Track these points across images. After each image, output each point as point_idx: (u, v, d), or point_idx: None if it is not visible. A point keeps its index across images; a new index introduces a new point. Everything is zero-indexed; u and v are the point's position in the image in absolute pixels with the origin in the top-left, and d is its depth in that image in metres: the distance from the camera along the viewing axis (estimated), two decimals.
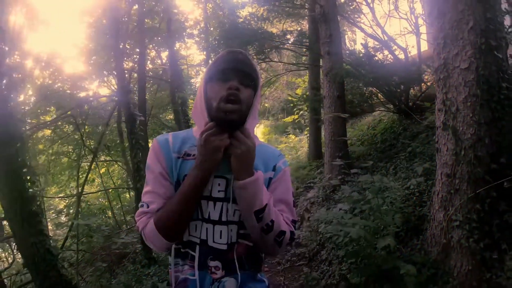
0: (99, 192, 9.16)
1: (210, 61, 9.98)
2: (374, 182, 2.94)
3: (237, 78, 1.12)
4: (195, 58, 15.91)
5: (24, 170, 3.35)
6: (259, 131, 25.50)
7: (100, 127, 7.84)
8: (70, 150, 7.71)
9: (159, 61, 13.01)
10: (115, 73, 5.85)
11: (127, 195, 10.07)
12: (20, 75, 4.80)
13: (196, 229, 1.17)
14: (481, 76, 2.38)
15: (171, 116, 12.37)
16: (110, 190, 8.73)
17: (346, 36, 17.00)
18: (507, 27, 2.83)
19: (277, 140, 18.97)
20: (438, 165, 2.69)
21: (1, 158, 3.19)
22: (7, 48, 3.87)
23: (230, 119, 1.08)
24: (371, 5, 8.95)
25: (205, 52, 14.73)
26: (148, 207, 1.15)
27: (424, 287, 2.49)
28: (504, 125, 2.38)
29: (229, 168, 1.12)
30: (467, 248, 2.45)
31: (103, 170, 9.83)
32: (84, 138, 6.23)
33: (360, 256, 2.65)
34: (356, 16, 10.58)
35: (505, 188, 2.36)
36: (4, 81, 3.52)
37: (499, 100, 2.39)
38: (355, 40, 15.79)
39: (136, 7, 8.07)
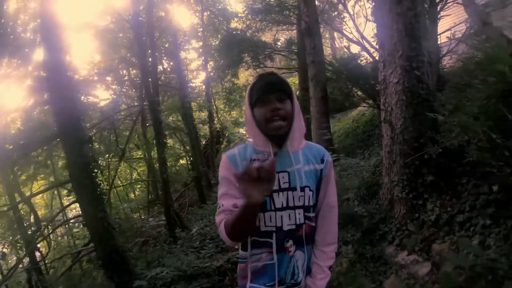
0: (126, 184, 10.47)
1: (208, 66, 11.34)
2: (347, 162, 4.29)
3: (275, 98, 1.36)
4: (193, 62, 16.84)
5: (93, 163, 4.61)
6: None
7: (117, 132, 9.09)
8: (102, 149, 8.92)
9: (161, 67, 14.10)
10: (143, 86, 7.01)
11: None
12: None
13: (271, 219, 1.39)
14: (406, 87, 3.69)
15: (172, 118, 13.52)
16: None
17: (336, 41, 18.19)
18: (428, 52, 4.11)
19: None
20: (383, 146, 4.02)
21: (79, 154, 4.43)
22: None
23: (279, 134, 1.37)
24: (352, 13, 10.14)
25: (203, 57, 15.83)
26: (222, 205, 1.36)
27: (376, 226, 3.82)
28: (421, 118, 3.68)
29: (287, 162, 1.40)
30: (402, 199, 3.77)
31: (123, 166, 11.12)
32: (117, 139, 7.51)
33: None
34: (338, 22, 11.79)
35: (425, 158, 3.66)
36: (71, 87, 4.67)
37: (418, 102, 3.69)
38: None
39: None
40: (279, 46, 12.12)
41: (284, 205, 1.40)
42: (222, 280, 4.53)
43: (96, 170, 4.69)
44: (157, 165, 7.34)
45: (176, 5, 14.02)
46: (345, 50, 12.45)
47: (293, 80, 14.58)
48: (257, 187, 1.13)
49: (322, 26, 11.67)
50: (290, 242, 1.42)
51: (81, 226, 6.47)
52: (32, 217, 6.40)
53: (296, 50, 10.58)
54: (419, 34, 3.82)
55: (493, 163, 2.83)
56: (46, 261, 6.14)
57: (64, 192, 8.96)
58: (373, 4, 4.57)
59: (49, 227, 6.19)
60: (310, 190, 1.44)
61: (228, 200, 1.37)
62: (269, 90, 1.38)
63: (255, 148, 1.45)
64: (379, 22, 4.17)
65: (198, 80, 16.48)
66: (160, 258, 5.74)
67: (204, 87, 15.30)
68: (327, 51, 18.13)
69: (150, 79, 6.47)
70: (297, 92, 11.69)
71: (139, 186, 14.35)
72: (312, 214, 1.47)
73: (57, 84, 4.32)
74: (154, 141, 7.76)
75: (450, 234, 3.22)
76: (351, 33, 10.31)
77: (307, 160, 1.47)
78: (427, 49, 3.95)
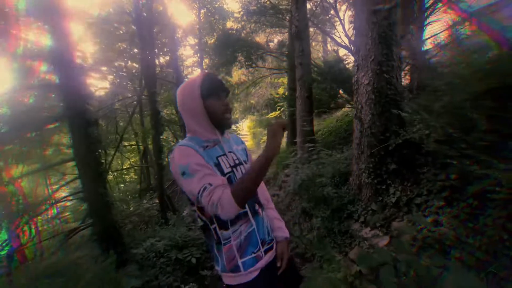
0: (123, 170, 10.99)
1: (203, 63, 11.93)
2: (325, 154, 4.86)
3: (225, 95, 1.70)
4: (189, 59, 17.29)
5: (98, 143, 5.09)
6: (245, 125, 26.98)
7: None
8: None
9: (157, 61, 14.53)
10: (142, 77, 7.46)
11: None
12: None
13: None
14: (375, 88, 4.27)
15: (166, 111, 13.98)
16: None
17: (328, 44, 18.84)
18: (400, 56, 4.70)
19: (261, 133, 20.52)
20: (353, 139, 4.60)
21: (85, 134, 4.89)
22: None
23: (231, 123, 1.70)
24: (343, 18, 10.74)
25: (198, 54, 16.31)
26: (212, 185, 1.45)
27: (345, 206, 4.40)
28: (387, 115, 4.26)
29: (229, 145, 1.77)
30: (368, 184, 4.35)
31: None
32: (117, 128, 7.99)
33: (309, 190, 4.57)
34: (328, 26, 12.38)
35: (389, 150, 4.24)
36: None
37: (385, 101, 4.27)
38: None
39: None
40: (271, 47, 12.67)
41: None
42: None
43: (99, 150, 5.17)
44: (153, 152, 7.83)
45: (175, 1, 14.43)
46: (334, 53, 13.12)
47: (283, 80, 15.18)
48: (279, 140, 1.45)
49: (313, 28, 12.27)
50: (256, 205, 1.71)
51: (69, 207, 6.88)
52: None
53: (286, 52, 11.13)
54: (391, 41, 4.39)
55: (452, 154, 3.42)
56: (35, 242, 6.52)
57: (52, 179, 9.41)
58: (354, 12, 5.10)
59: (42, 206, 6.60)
60: (246, 162, 1.78)
61: (214, 178, 1.48)
62: (221, 87, 1.68)
63: (201, 139, 1.64)
64: (357, 30, 4.74)
65: (192, 76, 16.90)
66: (153, 235, 6.24)
67: None
68: (318, 53, 18.78)
69: (149, 72, 6.97)
70: (286, 93, 12.28)
71: (128, 177, 14.75)
72: None
73: (66, 67, 4.78)
74: (151, 130, 8.27)
75: (408, 214, 3.80)
76: (340, 37, 10.94)
77: (237, 142, 1.87)
78: (397, 55, 4.54)
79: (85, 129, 4.92)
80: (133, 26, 7.98)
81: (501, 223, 2.48)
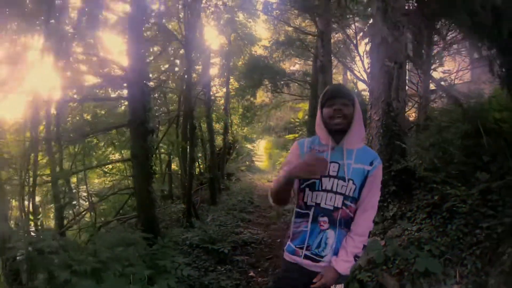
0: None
1: (229, 82, 13.26)
2: None
3: (339, 102, 1.72)
4: (216, 78, 18.46)
5: (152, 148, 6.23)
6: (262, 145, 27.64)
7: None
8: None
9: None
10: (182, 95, 8.63)
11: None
12: None
13: (316, 197, 1.75)
14: (383, 124, 5.29)
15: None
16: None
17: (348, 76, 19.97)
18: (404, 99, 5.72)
19: (278, 154, 21.40)
20: None
21: (144, 139, 6.02)
22: None
23: (338, 128, 1.73)
24: (363, 55, 11.82)
25: (226, 74, 17.51)
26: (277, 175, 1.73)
27: None
28: (392, 146, 5.25)
29: (340, 156, 1.75)
30: None
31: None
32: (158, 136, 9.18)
33: None
34: (349, 61, 13.51)
35: (391, 174, 5.21)
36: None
37: (391, 135, 5.27)
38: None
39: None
40: (295, 75, 13.85)
41: (329, 188, 1.74)
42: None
43: (153, 155, 6.29)
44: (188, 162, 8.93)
45: (209, 26, 15.79)
46: (353, 84, 14.24)
47: (304, 107, 16.26)
48: (306, 169, 1.52)
49: (336, 61, 13.41)
50: (325, 218, 1.75)
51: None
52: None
53: (310, 81, 12.27)
54: (398, 86, 5.45)
55: (436, 180, 4.42)
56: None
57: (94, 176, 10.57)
58: (369, 60, 6.17)
59: (94, 198, 7.75)
60: (353, 183, 1.73)
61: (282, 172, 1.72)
62: (336, 95, 1.73)
63: (320, 141, 1.83)
64: (371, 75, 5.81)
65: (218, 95, 18.08)
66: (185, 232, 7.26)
67: (223, 101, 16.98)
68: (339, 81, 19.91)
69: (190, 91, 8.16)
70: (306, 117, 13.33)
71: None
72: (350, 204, 1.76)
73: (136, 85, 5.95)
74: (182, 142, 9.41)
75: (400, 224, 4.77)
76: (359, 71, 12.01)
77: (359, 159, 1.76)
78: (403, 98, 5.60)
79: (145, 136, 6.06)
80: (181, 50, 9.17)
81: (460, 228, 3.50)
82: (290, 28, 13.24)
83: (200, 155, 13.47)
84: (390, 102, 5.36)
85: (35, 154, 5.14)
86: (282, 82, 12.57)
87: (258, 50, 16.18)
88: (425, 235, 3.82)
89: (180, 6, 8.78)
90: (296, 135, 15.00)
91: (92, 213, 7.14)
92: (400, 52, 5.26)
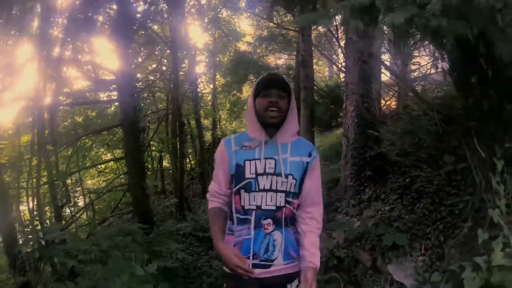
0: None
1: (215, 79, 13.66)
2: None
3: (275, 93, 1.58)
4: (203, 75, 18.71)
5: (144, 146, 6.58)
6: None
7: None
8: None
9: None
10: (170, 93, 8.95)
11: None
12: None
13: (254, 199, 1.60)
14: (358, 114, 5.72)
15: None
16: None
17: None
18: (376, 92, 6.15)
19: None
20: (342, 152, 6.05)
21: (135, 138, 6.36)
22: None
23: (273, 122, 1.60)
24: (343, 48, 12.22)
25: (212, 70, 17.77)
26: (211, 185, 1.75)
27: (333, 203, 5.81)
28: (366, 134, 5.68)
29: (275, 151, 1.62)
30: (351, 186, 5.76)
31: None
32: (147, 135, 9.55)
33: None
34: (331, 54, 13.92)
35: (366, 160, 5.65)
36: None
37: (366, 124, 5.70)
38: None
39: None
40: (279, 70, 14.19)
41: (267, 187, 1.59)
42: None
43: (145, 152, 6.64)
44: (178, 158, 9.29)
45: (194, 24, 16.01)
46: (336, 75, 14.67)
47: None
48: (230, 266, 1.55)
49: (319, 54, 13.80)
50: (269, 220, 1.59)
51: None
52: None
53: (293, 75, 12.62)
54: (370, 79, 5.87)
55: (407, 163, 4.88)
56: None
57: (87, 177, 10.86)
58: (346, 55, 6.57)
59: (91, 195, 8.09)
60: (293, 178, 1.61)
61: (214, 184, 1.74)
62: (271, 85, 1.59)
63: (249, 135, 1.68)
64: (346, 68, 6.22)
65: (206, 91, 18.33)
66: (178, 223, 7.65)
67: (210, 97, 17.27)
68: (324, 72, 20.33)
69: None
70: None
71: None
72: (293, 200, 1.64)
73: (125, 87, 6.27)
74: (172, 139, 9.75)
75: (375, 205, 5.23)
76: (342, 64, 12.39)
77: (296, 152, 1.65)
78: (376, 90, 6.03)
79: (137, 135, 6.40)
80: (168, 51, 9.47)
81: (426, 206, 3.96)
82: (272, 24, 13.54)
83: (190, 151, 13.78)
84: (363, 93, 5.79)
85: (39, 158, 5.41)
86: None
87: (243, 46, 16.41)
88: (395, 214, 4.28)
89: (164, 8, 9.06)
90: None
91: (89, 211, 7.46)
92: (370, 47, 5.67)
